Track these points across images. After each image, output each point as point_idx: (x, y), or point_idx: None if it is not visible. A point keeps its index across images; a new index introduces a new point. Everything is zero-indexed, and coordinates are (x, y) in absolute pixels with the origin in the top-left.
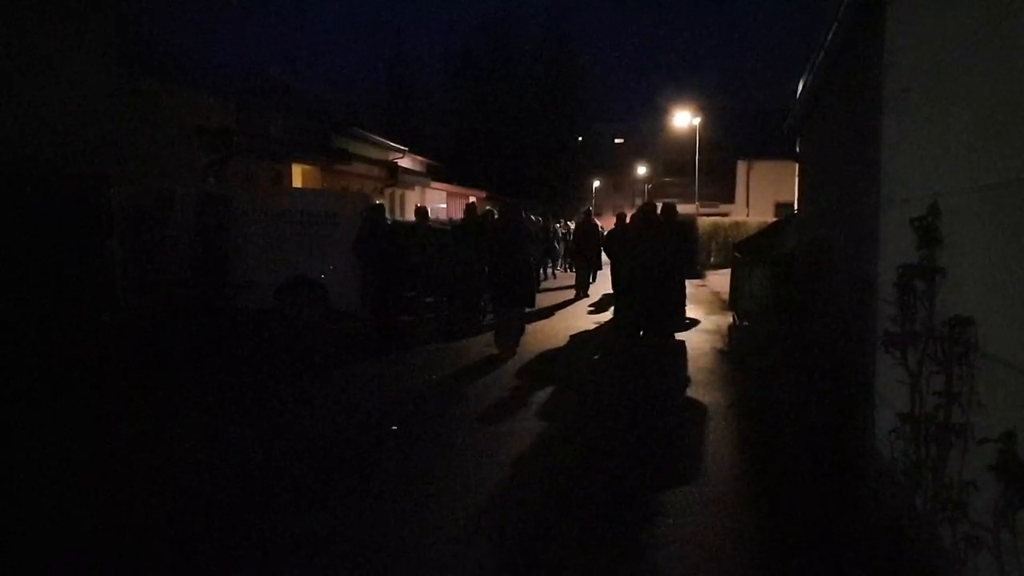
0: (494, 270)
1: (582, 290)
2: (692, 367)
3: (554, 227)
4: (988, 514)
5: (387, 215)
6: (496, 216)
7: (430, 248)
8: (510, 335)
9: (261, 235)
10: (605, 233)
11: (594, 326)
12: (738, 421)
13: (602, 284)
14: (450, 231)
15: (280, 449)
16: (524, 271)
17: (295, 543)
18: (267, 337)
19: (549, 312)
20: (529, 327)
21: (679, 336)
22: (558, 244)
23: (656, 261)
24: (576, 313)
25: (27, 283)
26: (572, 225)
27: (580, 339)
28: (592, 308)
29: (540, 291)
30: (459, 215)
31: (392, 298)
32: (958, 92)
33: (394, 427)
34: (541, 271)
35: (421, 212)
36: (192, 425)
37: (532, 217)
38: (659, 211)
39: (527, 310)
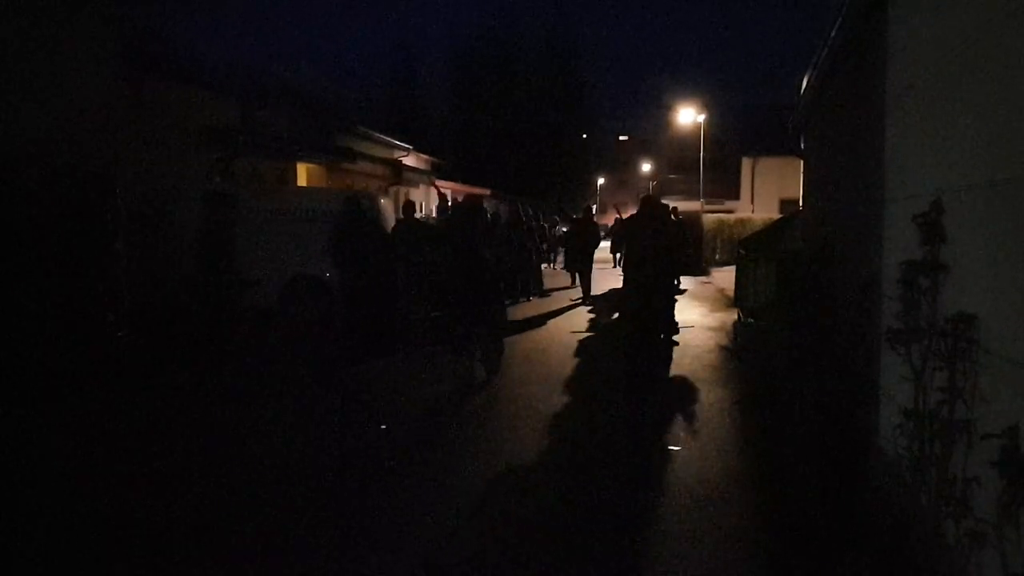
0: (450, 280)
1: (586, 295)
2: (697, 364)
3: (533, 223)
4: (992, 510)
5: (366, 208)
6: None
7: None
8: (485, 359)
9: (267, 234)
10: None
11: (594, 330)
12: (742, 417)
13: (599, 286)
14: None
15: (277, 450)
16: (487, 281)
17: (290, 542)
18: (272, 336)
19: (548, 316)
20: (527, 332)
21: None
22: (541, 243)
23: (646, 257)
24: (578, 315)
25: (32, 283)
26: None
27: (580, 340)
28: (592, 312)
29: (546, 293)
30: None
31: (369, 305)
32: (962, 88)
33: (383, 426)
34: (545, 266)
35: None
36: (195, 426)
37: (529, 211)
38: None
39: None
